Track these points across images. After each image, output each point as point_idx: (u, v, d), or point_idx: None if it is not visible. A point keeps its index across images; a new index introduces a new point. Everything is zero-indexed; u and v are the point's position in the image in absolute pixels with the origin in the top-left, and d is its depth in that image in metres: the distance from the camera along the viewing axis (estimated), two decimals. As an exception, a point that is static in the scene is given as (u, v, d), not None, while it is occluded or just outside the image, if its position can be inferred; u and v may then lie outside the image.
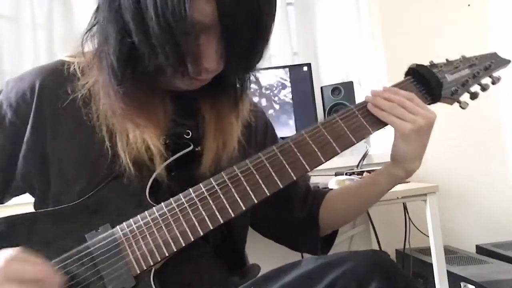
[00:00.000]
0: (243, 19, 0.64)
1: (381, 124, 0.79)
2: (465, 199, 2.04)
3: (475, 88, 0.88)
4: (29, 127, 0.75)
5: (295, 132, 1.81)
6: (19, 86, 0.77)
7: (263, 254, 1.11)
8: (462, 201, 2.04)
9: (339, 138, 0.75)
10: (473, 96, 0.87)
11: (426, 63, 0.88)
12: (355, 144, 0.76)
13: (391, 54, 2.02)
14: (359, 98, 1.90)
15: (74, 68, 0.76)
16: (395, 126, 0.78)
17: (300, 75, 1.86)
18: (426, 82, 0.84)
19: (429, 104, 0.84)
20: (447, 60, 0.89)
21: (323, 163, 0.74)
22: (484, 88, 0.88)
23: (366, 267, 0.60)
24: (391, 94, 0.79)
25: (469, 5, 2.12)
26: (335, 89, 1.87)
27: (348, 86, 1.88)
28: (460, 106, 0.86)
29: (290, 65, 1.89)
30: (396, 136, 0.79)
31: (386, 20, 2.06)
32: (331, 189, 0.97)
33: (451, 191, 2.01)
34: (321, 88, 1.90)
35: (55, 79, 0.76)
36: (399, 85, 0.84)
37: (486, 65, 0.88)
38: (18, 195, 0.81)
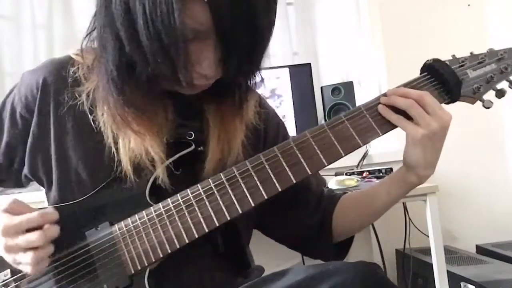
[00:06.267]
0: (240, 25, 0.61)
1: (391, 125, 0.73)
2: (465, 199, 2.04)
3: (502, 84, 0.79)
4: (34, 120, 0.77)
5: (295, 132, 1.81)
6: (30, 79, 0.78)
7: (264, 255, 1.11)
8: (462, 201, 2.04)
9: (344, 140, 0.71)
10: (500, 94, 0.78)
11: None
12: (361, 146, 0.72)
13: (391, 54, 2.03)
14: (359, 98, 1.90)
15: (78, 68, 0.76)
16: (406, 130, 0.73)
17: (300, 75, 1.86)
18: (444, 79, 0.76)
19: (447, 103, 0.77)
20: (471, 53, 0.80)
21: (325, 166, 0.71)
22: None
23: (357, 281, 0.58)
24: (398, 98, 0.73)
25: (469, 5, 2.12)
26: (335, 89, 1.87)
27: (348, 86, 1.88)
28: (483, 105, 0.77)
29: (290, 65, 1.89)
30: (407, 141, 0.74)
31: (386, 20, 2.06)
32: (345, 192, 0.93)
33: (451, 191, 2.01)
34: (321, 88, 1.90)
35: (61, 77, 0.76)
36: (413, 82, 0.77)
37: None
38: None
